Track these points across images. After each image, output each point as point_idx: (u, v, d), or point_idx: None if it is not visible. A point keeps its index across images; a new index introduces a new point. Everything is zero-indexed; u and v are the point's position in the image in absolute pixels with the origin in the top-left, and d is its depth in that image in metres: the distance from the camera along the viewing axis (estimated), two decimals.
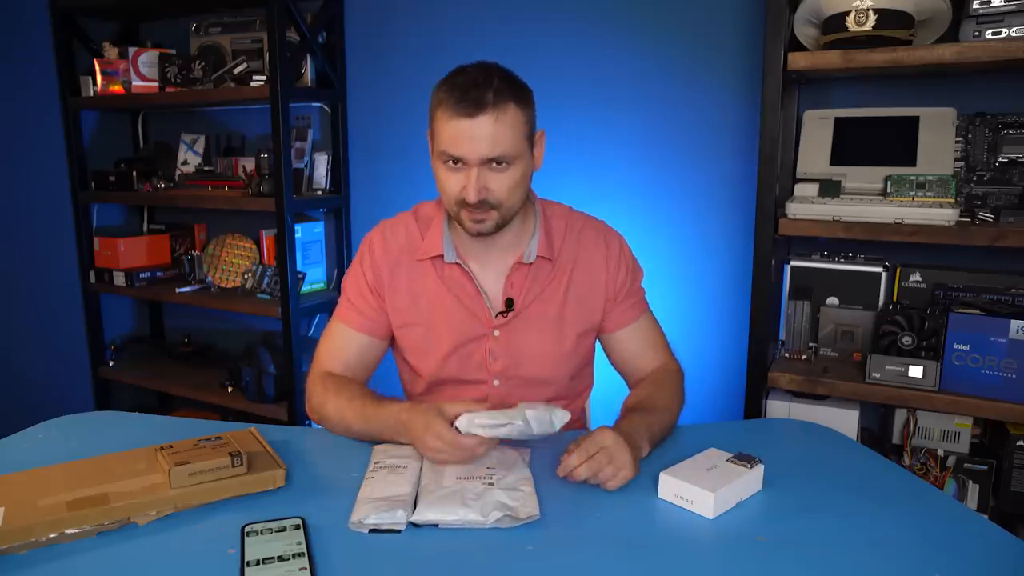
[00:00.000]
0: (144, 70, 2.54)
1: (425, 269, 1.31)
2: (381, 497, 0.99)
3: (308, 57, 2.34)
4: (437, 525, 0.96)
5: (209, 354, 2.89)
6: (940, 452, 1.71)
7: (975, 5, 1.51)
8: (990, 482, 1.65)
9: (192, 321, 2.96)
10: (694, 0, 1.99)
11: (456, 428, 1.06)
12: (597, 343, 1.41)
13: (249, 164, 2.51)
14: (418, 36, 2.34)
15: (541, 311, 1.30)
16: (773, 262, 1.72)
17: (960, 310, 1.60)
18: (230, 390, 2.56)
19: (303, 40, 2.29)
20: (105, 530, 0.94)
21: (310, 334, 2.60)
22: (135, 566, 0.88)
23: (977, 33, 1.52)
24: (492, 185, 1.17)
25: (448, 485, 1.02)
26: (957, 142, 1.71)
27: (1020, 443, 1.61)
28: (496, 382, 1.32)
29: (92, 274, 2.75)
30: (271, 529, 0.93)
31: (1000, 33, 1.50)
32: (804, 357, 1.80)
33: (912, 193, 1.66)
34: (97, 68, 2.55)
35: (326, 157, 2.50)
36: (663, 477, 1.03)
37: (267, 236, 2.58)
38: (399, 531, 0.95)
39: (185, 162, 2.75)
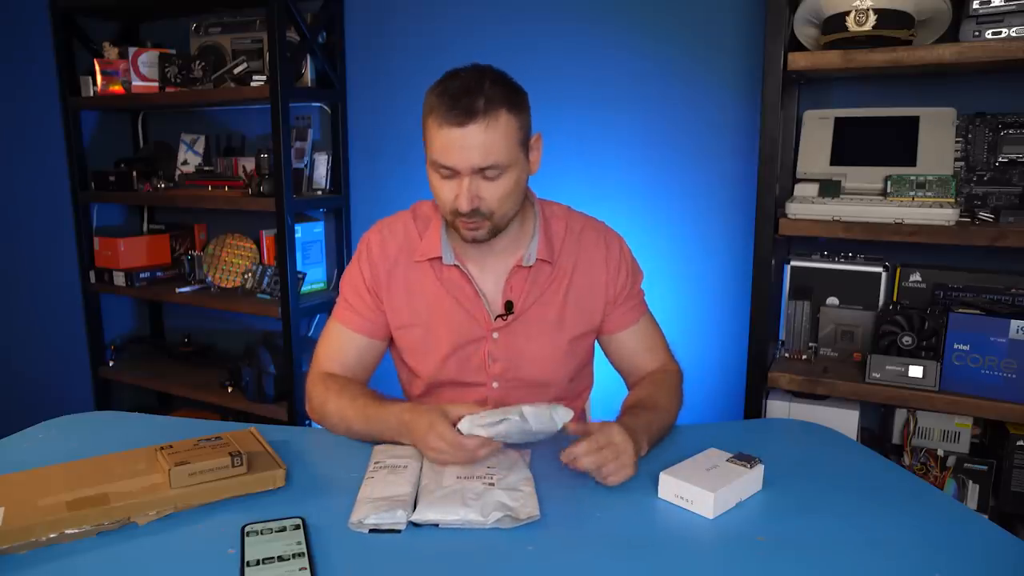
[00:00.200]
0: (144, 70, 2.54)
1: (423, 270, 1.30)
2: (381, 497, 0.99)
3: (308, 57, 2.34)
4: (437, 525, 0.96)
5: (209, 354, 2.89)
6: (940, 452, 1.71)
7: (975, 5, 1.51)
8: (990, 482, 1.65)
9: (192, 321, 2.96)
10: (694, 0, 1.99)
11: (458, 430, 1.06)
12: (596, 343, 1.41)
13: (249, 164, 2.51)
14: (418, 36, 2.34)
15: (540, 314, 1.30)
16: (773, 262, 1.72)
17: (960, 310, 1.60)
18: (230, 390, 2.56)
19: (303, 40, 2.29)
20: (105, 530, 0.94)
21: (310, 334, 2.60)
22: (135, 566, 0.88)
23: (977, 33, 1.52)
24: (484, 194, 1.15)
25: (449, 485, 1.02)
26: (957, 142, 1.71)
27: (1020, 443, 1.61)
28: (495, 384, 1.32)
29: (92, 274, 2.75)
30: (271, 529, 0.93)
31: (1000, 33, 1.50)
32: (804, 357, 1.80)
33: (912, 193, 1.65)
34: (97, 68, 2.55)
35: (326, 157, 2.50)
36: (663, 477, 1.03)
37: (267, 236, 2.58)
38: (399, 531, 0.95)
39: (185, 162, 2.75)
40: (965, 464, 1.67)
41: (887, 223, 1.61)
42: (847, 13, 1.56)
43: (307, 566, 0.85)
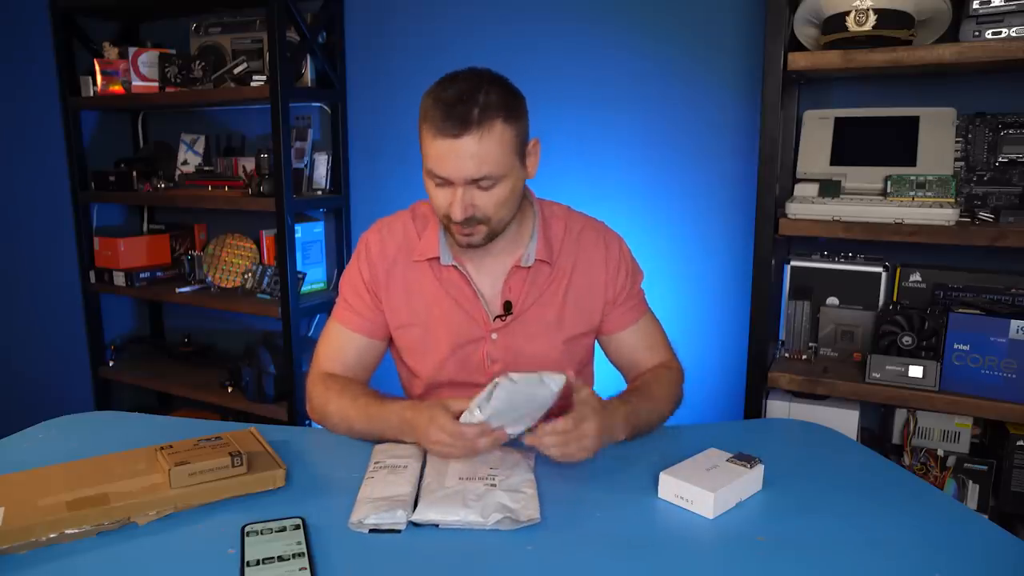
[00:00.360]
0: (144, 70, 2.54)
1: (422, 270, 1.30)
2: (381, 497, 0.99)
3: (308, 57, 2.34)
4: (437, 525, 0.96)
5: (209, 354, 2.89)
6: (940, 452, 1.71)
7: (975, 5, 1.51)
8: (990, 482, 1.65)
9: (192, 321, 2.96)
10: (694, 0, 1.99)
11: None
12: (597, 344, 1.41)
13: (249, 164, 2.51)
14: (418, 36, 2.34)
15: (539, 314, 1.30)
16: (773, 262, 1.72)
17: (960, 310, 1.60)
18: (230, 390, 2.56)
19: (303, 40, 2.29)
20: (105, 530, 0.94)
21: (310, 334, 2.60)
22: (135, 566, 0.88)
23: (977, 33, 1.52)
24: (479, 202, 1.15)
25: (450, 485, 1.02)
26: (957, 142, 1.71)
27: (1020, 443, 1.61)
28: None
29: (92, 274, 2.75)
30: (271, 529, 0.93)
31: (1000, 33, 1.50)
32: (804, 357, 1.80)
33: (912, 193, 1.66)
34: (97, 68, 2.55)
35: (326, 157, 2.50)
36: (663, 477, 1.03)
37: (267, 236, 2.58)
38: (399, 531, 0.95)
39: (185, 162, 2.75)
40: (965, 464, 1.67)
41: (887, 223, 1.61)
42: (847, 13, 1.56)
43: (307, 566, 0.85)
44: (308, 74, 2.36)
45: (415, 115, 1.19)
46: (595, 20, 2.10)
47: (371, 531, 0.94)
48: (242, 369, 2.48)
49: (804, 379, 1.70)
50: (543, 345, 1.30)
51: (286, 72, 2.21)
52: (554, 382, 1.03)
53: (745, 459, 1.06)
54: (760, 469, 1.06)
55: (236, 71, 2.37)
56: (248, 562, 0.86)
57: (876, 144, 1.75)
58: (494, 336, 1.29)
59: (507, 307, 1.28)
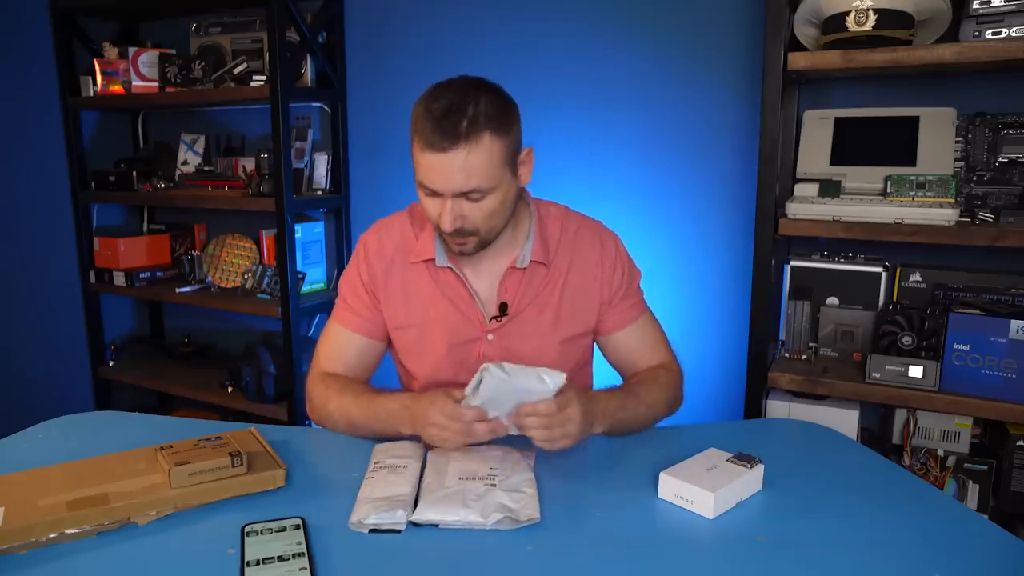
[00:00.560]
0: (144, 70, 2.54)
1: (419, 271, 1.30)
2: (381, 497, 0.99)
3: (308, 57, 2.34)
4: (437, 525, 0.96)
5: (209, 354, 2.89)
6: (940, 452, 1.71)
7: (975, 5, 1.51)
8: (990, 482, 1.65)
9: (192, 321, 2.96)
10: (694, 0, 1.99)
11: None
12: (596, 346, 1.41)
13: (249, 164, 2.51)
14: (418, 36, 2.34)
15: (536, 315, 1.29)
16: (773, 262, 1.72)
17: (960, 310, 1.60)
18: (230, 390, 2.56)
19: (303, 40, 2.29)
20: (105, 530, 0.94)
21: (310, 334, 2.60)
22: (135, 566, 0.88)
23: (977, 33, 1.52)
24: (468, 213, 1.15)
25: (450, 485, 1.02)
26: (957, 142, 1.71)
27: (1020, 443, 1.61)
28: None
29: (92, 274, 2.75)
30: (271, 529, 0.93)
31: (1000, 33, 1.50)
32: (804, 357, 1.80)
33: (912, 193, 1.65)
34: (97, 68, 2.55)
35: (326, 157, 2.50)
36: (663, 477, 1.03)
37: (267, 236, 2.58)
38: (399, 531, 0.95)
39: (185, 162, 2.75)
40: (965, 464, 1.67)
41: (887, 223, 1.61)
42: (847, 13, 1.56)
43: (307, 566, 0.85)
44: (308, 74, 2.36)
45: None
46: (595, 20, 2.10)
47: (371, 531, 0.95)
48: (242, 369, 2.48)
49: (804, 379, 1.70)
50: (539, 346, 1.30)
51: (286, 72, 2.21)
52: (553, 380, 1.03)
53: (745, 459, 1.06)
54: (760, 469, 1.06)
55: (236, 71, 2.37)
56: (248, 562, 0.86)
57: (876, 144, 1.75)
58: (490, 337, 1.29)
59: (503, 308, 1.28)
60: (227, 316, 2.79)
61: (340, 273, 2.54)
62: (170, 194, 2.59)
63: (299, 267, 2.43)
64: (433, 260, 1.28)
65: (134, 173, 2.61)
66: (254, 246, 2.66)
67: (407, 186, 2.41)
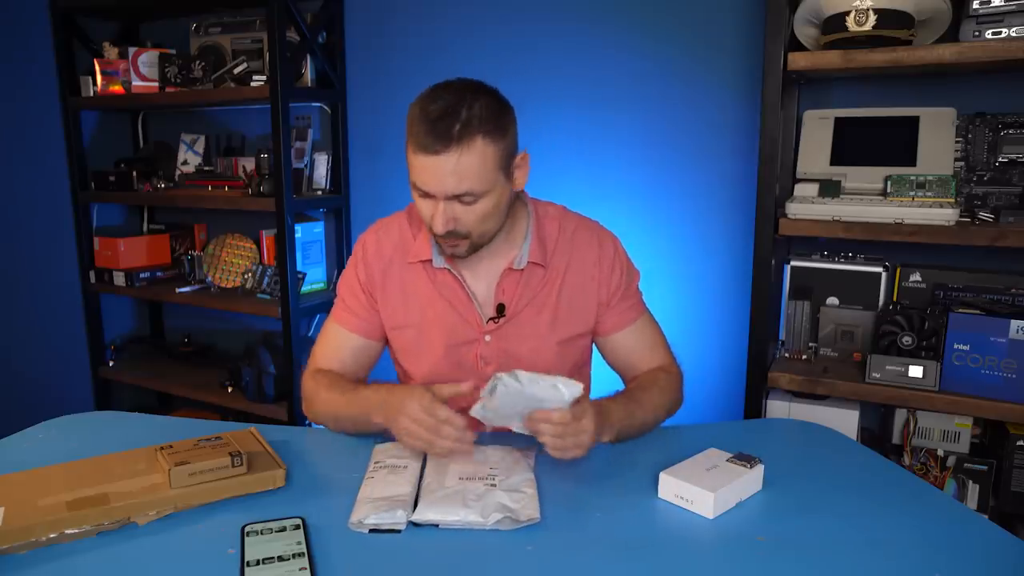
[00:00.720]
0: (144, 70, 2.54)
1: (417, 271, 1.30)
2: (381, 497, 0.99)
3: (308, 57, 2.34)
4: (437, 525, 0.96)
5: (209, 354, 2.90)
6: (940, 452, 1.71)
7: (975, 5, 1.51)
8: (990, 482, 1.65)
9: (192, 321, 2.96)
10: (694, 0, 1.99)
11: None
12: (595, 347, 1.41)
13: (249, 164, 2.51)
14: (418, 36, 2.34)
15: (533, 316, 1.29)
16: (773, 262, 1.72)
17: (960, 310, 1.60)
18: (230, 390, 2.56)
19: (303, 40, 2.29)
20: (105, 530, 0.94)
21: (310, 334, 2.60)
22: (135, 566, 0.88)
23: (977, 33, 1.52)
24: (460, 217, 1.15)
25: (450, 485, 1.02)
26: (957, 142, 1.71)
27: (1020, 443, 1.61)
28: None
29: (92, 274, 2.75)
30: (271, 529, 0.93)
31: (1000, 33, 1.50)
32: (804, 357, 1.80)
33: (912, 193, 1.65)
34: (97, 68, 2.55)
35: (326, 157, 2.50)
36: (663, 477, 1.03)
37: (267, 236, 2.58)
38: (399, 531, 0.95)
39: (185, 162, 2.75)
40: (965, 464, 1.67)
41: (887, 223, 1.61)
42: (847, 13, 1.56)
43: (307, 566, 0.85)
44: (308, 74, 2.36)
45: None
46: (595, 20, 2.10)
47: (371, 531, 0.95)
48: (242, 369, 2.48)
49: (804, 379, 1.70)
50: (537, 347, 1.29)
51: (286, 72, 2.21)
52: (569, 390, 1.02)
53: (745, 459, 1.06)
54: (760, 469, 1.06)
55: (236, 71, 2.37)
56: (248, 562, 0.86)
57: (876, 144, 1.75)
58: (488, 338, 1.29)
59: (500, 310, 1.28)
60: (227, 316, 2.79)
61: (340, 273, 2.55)
62: (170, 194, 2.59)
63: (299, 267, 2.43)
64: (431, 261, 1.28)
65: (134, 173, 2.61)
66: (254, 246, 2.66)
67: (407, 186, 2.40)
